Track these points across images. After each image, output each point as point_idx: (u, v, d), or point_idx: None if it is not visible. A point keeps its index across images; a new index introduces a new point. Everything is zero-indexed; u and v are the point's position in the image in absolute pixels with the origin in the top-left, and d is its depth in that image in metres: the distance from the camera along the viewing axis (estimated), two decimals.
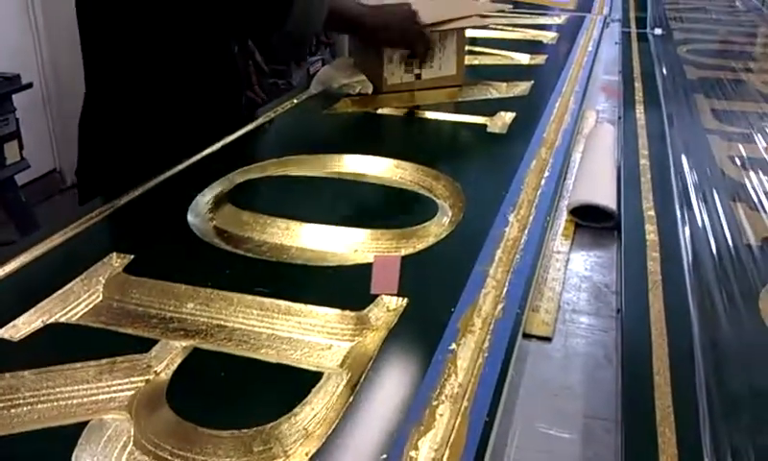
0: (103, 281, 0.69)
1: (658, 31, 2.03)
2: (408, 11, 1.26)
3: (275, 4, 1.06)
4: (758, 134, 1.17)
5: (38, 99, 3.06)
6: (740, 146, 1.12)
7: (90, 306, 0.66)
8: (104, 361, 0.58)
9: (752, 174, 0.99)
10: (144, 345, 0.60)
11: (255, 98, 1.24)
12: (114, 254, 0.74)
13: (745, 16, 2.61)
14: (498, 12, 1.79)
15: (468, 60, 1.46)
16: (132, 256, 0.73)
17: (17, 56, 2.90)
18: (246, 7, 1.06)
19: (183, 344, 0.60)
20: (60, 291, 0.67)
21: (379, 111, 1.24)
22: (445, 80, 1.36)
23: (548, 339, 0.67)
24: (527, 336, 0.67)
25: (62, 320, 0.64)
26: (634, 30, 2.08)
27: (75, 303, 0.66)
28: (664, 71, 1.58)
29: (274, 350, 0.60)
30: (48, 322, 0.64)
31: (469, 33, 1.56)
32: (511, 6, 2.09)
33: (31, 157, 2.71)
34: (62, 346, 0.61)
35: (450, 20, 1.33)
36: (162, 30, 1.05)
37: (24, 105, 2.70)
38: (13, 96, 2.55)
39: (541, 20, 2.12)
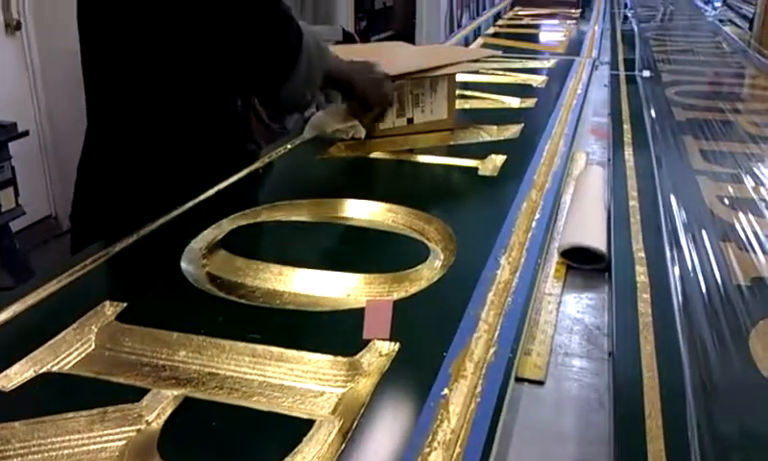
0: (95, 330, 0.69)
1: (646, 73, 2.07)
2: (370, 66, 1.26)
3: (280, 60, 1.07)
4: (747, 175, 1.18)
5: (35, 147, 3.08)
6: (729, 186, 1.13)
7: (82, 355, 0.66)
8: (95, 411, 0.57)
9: (740, 214, 1.00)
10: (136, 394, 0.60)
11: (256, 150, 1.24)
12: (107, 302, 0.74)
13: (731, 58, 2.66)
14: (489, 56, 1.82)
15: (460, 103, 1.48)
16: (125, 304, 0.74)
17: (14, 104, 2.92)
18: (253, 62, 1.08)
19: (175, 393, 0.60)
20: (52, 340, 0.67)
21: (372, 156, 1.25)
22: (437, 124, 1.37)
23: (541, 383, 0.67)
24: (519, 380, 0.67)
25: (54, 369, 0.64)
26: (622, 72, 2.11)
27: (67, 352, 0.66)
28: (653, 113, 1.60)
29: (265, 397, 0.60)
30: (40, 371, 0.64)
31: (461, 77, 1.58)
32: (501, 50, 2.13)
33: (26, 204, 2.72)
34: (54, 396, 0.61)
35: (442, 66, 1.35)
36: (167, 80, 1.07)
37: (20, 152, 2.72)
38: (10, 144, 2.58)
39: (531, 64, 2.16)
